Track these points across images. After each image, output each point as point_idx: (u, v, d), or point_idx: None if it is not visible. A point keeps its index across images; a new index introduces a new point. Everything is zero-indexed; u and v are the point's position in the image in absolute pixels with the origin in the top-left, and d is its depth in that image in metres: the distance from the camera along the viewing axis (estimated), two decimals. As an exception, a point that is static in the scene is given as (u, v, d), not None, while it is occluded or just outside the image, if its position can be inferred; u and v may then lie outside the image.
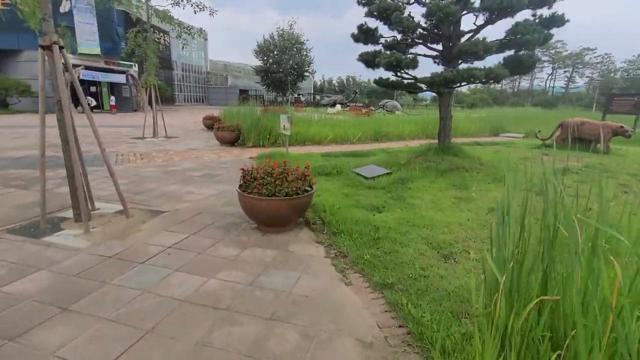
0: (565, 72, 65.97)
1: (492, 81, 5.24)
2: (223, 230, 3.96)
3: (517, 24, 5.36)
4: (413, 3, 6.16)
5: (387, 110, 33.60)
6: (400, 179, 5.87)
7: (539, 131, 10.23)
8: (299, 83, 57.42)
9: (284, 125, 8.43)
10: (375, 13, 5.89)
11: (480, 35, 6.42)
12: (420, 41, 6.46)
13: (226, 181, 6.22)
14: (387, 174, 6.20)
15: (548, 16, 5.86)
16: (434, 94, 8.16)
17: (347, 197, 5.14)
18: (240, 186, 3.95)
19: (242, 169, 4.04)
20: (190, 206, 4.78)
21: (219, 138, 10.89)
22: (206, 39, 15.70)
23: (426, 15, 5.39)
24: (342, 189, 5.61)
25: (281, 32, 53.10)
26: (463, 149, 6.92)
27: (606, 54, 66.92)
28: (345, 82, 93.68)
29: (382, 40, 7.15)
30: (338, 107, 35.67)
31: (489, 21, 5.70)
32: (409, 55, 5.54)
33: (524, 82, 75.73)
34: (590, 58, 63.58)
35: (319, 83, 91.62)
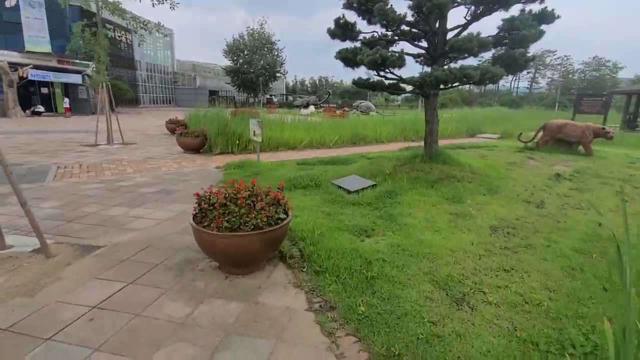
0: (528, 73, 68.65)
1: (487, 82, 4.67)
2: (174, 273, 3.08)
3: (513, 18, 4.82)
4: (396, -5, 5.50)
5: (361, 111, 33.25)
6: (387, 191, 5.18)
7: (521, 133, 9.96)
8: (271, 84, 56.27)
9: (254, 131, 7.56)
10: (355, 5, 5.18)
11: (467, 32, 5.87)
12: (406, 37, 5.81)
13: (186, 199, 5.29)
14: (372, 186, 5.50)
15: (538, 12, 5.38)
16: (407, 94, 7.65)
17: (328, 217, 4.38)
18: (195, 216, 3.08)
19: (197, 195, 3.16)
20: (136, 237, 3.85)
21: (182, 145, 9.83)
22: (166, 36, 14.35)
23: (413, 7, 4.74)
24: (323, 205, 4.84)
25: (251, 31, 51.77)
26: (452, 156, 6.35)
27: (565, 55, 70.36)
28: (317, 82, 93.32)
29: (362, 37, 6.46)
30: (311, 108, 34.93)
31: (480, 14, 5.14)
32: (394, 53, 4.86)
33: (491, 85, 78.15)
34: (551, 60, 66.54)
35: (291, 84, 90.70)
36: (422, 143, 13.61)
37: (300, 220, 4.22)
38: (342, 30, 5.99)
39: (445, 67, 4.83)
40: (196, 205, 3.12)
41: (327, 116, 24.16)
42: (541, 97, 64.37)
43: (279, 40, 52.94)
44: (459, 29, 5.81)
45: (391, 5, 5.15)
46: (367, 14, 5.47)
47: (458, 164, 6.09)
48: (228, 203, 2.99)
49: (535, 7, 5.48)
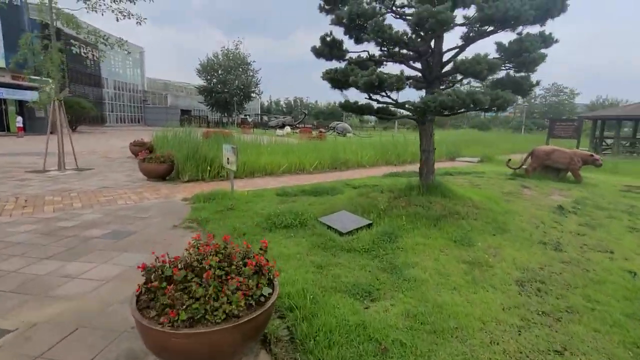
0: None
1: (495, 109, 4.13)
2: (107, 380, 2.12)
3: (522, 39, 4.35)
4: (387, 13, 4.94)
5: (337, 133, 32.99)
6: (386, 233, 4.43)
7: (510, 160, 9.67)
8: (246, 104, 55.59)
9: (228, 158, 6.68)
10: (345, 20, 4.56)
11: (463, 53, 5.40)
12: (399, 58, 5.24)
13: (141, 246, 4.30)
14: (367, 225, 4.73)
15: (537, 34, 4.98)
16: (398, 118, 7.10)
17: (320, 272, 3.55)
18: (139, 298, 2.16)
19: (143, 267, 2.24)
20: (63, 312, 2.84)
21: (145, 171, 8.74)
22: (129, 53, 13.13)
23: (413, 24, 4.17)
24: (312, 253, 4.01)
25: (226, 51, 51.27)
26: (451, 188, 5.74)
27: (527, 81, 73.92)
28: (292, 103, 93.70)
29: (349, 57, 5.86)
30: (287, 128, 34.37)
31: (485, 34, 4.65)
32: (391, 74, 4.24)
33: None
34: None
35: (266, 103, 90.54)
36: (405, 168, 13.29)
37: (286, 276, 3.36)
38: (330, 48, 5.35)
39: (449, 90, 4.25)
40: (142, 285, 2.19)
41: (304, 137, 23.59)
42: (507, 120, 67.33)
43: (254, 61, 52.61)
44: (455, 50, 5.31)
45: (384, 21, 4.56)
46: (358, 31, 4.87)
47: (458, 197, 5.47)
48: (189, 278, 2.10)
49: (534, 30, 5.09)
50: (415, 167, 13.44)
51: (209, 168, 9.11)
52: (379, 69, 5.49)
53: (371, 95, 5.26)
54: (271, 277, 2.39)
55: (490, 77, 5.28)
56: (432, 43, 5.39)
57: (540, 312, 2.95)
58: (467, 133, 35.66)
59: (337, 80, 4.89)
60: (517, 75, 4.93)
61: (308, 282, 3.29)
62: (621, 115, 18.85)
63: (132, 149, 13.28)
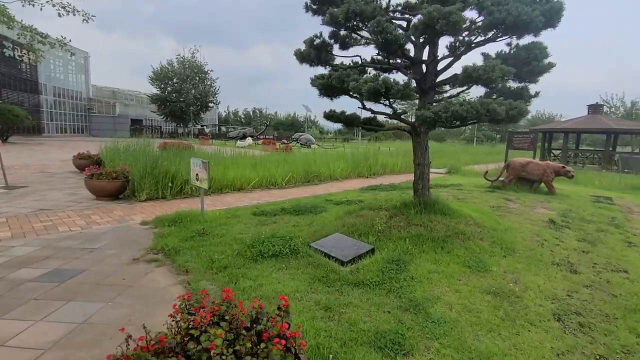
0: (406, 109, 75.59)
1: (508, 120, 3.79)
2: None
3: (532, 46, 4.09)
4: (386, 14, 4.49)
5: (301, 144, 32.45)
6: (392, 260, 3.87)
7: (487, 172, 9.69)
8: (203, 114, 53.46)
9: (197, 175, 5.82)
10: (341, 20, 4.03)
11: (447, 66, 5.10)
12: (394, 64, 4.80)
13: (93, 290, 3.36)
14: (369, 251, 4.15)
15: (529, 44, 4.80)
16: (387, 130, 6.69)
17: (330, 316, 2.89)
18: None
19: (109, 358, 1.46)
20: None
21: (94, 189, 7.52)
22: (71, 53, 11.31)
23: (420, 26, 3.73)
24: (314, 290, 3.34)
25: (182, 59, 49.11)
26: (449, 205, 5.35)
27: (478, 96, 78.77)
28: (252, 113, 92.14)
29: (337, 62, 5.35)
30: (249, 140, 33.23)
31: (486, 41, 4.35)
32: (399, 82, 3.75)
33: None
34: (465, 99, 74.40)
35: (223, 114, 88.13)
36: (378, 180, 13.02)
37: (291, 326, 2.65)
38: (317, 52, 4.79)
39: (459, 100, 3.85)
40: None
41: (268, 149, 22.78)
42: (459, 132, 71.12)
43: (212, 70, 50.92)
44: (451, 58, 4.99)
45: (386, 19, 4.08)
46: (353, 30, 4.36)
47: (458, 214, 5.09)
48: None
49: (525, 40, 4.90)
50: (389, 179, 13.36)
51: (170, 185, 8.07)
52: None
53: (365, 104, 4.76)
54: (298, 351, 1.70)
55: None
56: (426, 50, 5.04)
57: (598, 357, 2.53)
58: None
59: (330, 87, 4.33)
60: (521, 86, 4.69)
61: (320, 333, 2.62)
62: (567, 128, 20.28)
63: (77, 163, 11.70)
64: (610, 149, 20.05)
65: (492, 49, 5.26)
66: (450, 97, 5.47)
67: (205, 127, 60.60)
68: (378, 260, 3.91)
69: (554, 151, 22.90)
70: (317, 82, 4.37)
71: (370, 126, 5.76)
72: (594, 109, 20.12)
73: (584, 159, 21.43)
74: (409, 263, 3.89)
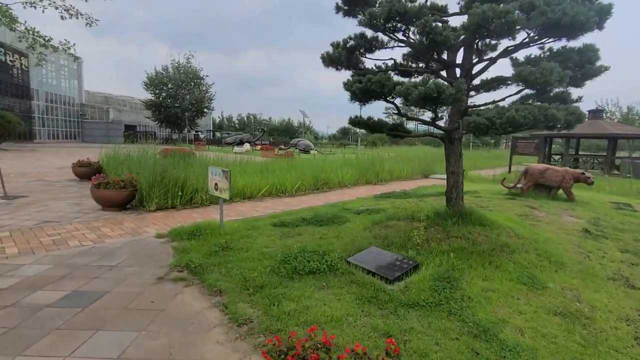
0: (441, 115, 76.10)
1: (565, 126, 3.57)
2: None
3: (586, 49, 3.89)
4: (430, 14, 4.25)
5: (300, 150, 32.16)
6: (441, 277, 3.60)
7: (504, 179, 9.50)
8: (198, 119, 53.01)
9: (216, 185, 5.49)
10: (382, 20, 3.79)
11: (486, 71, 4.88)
12: (430, 67, 4.57)
13: (121, 316, 3.01)
14: (414, 267, 3.87)
15: (582, 46, 4.54)
16: (415, 137, 6.43)
17: (402, 349, 2.58)
18: None
19: None
20: None
21: (101, 199, 7.13)
22: (68, 52, 10.77)
23: (472, 25, 3.50)
24: (365, 312, 3.04)
25: (176, 65, 48.72)
26: (485, 215, 5.10)
27: (472, 102, 79.27)
28: (246, 119, 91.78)
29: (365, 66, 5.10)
30: (247, 146, 32.86)
31: (529, 43, 4.14)
32: (451, 85, 3.50)
33: (411, 125, 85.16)
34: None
35: (217, 120, 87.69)
36: (389, 187, 12.74)
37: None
38: (349, 55, 4.53)
39: (515, 105, 3.62)
40: None
41: (267, 155, 22.49)
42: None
43: (207, 76, 50.57)
44: (486, 62, 4.78)
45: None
46: (391, 32, 4.12)
47: (496, 225, 4.84)
48: None
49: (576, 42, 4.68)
50: (398, 186, 13.11)
51: (180, 194, 7.72)
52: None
53: (400, 110, 4.51)
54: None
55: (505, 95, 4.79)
56: (459, 53, 4.82)
57: None
58: (423, 150, 36.71)
59: (368, 92, 4.06)
60: (556, 90, 4.47)
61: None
62: (569, 133, 20.32)
63: (76, 171, 11.26)
64: (612, 154, 20.13)
65: (520, 53, 5.06)
66: (489, 103, 5.22)
67: (199, 132, 60.09)
68: (426, 277, 3.63)
69: (553, 156, 22.99)
70: (354, 85, 4.10)
71: (398, 132, 5.51)
72: (594, 114, 20.23)
73: (584, 164, 21.51)
74: (459, 280, 3.62)
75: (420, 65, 5.28)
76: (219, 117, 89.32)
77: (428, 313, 3.05)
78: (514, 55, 4.86)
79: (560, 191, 8.77)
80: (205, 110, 51.82)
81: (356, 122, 5.42)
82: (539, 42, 4.11)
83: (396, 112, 4.64)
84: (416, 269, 3.89)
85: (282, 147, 36.03)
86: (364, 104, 4.59)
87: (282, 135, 71.67)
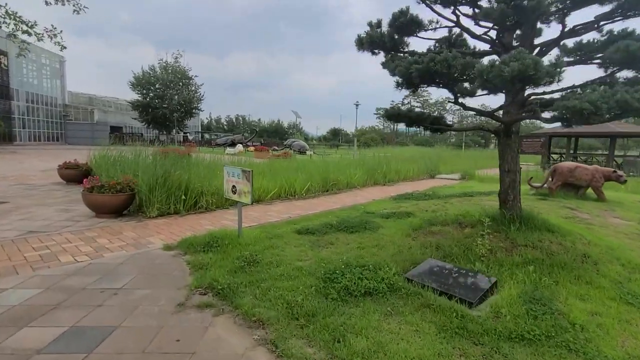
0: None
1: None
2: None
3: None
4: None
5: (294, 151, 31.37)
6: (532, 298, 2.94)
7: (532, 178, 8.97)
8: (187, 120, 51.66)
9: (233, 187, 4.74)
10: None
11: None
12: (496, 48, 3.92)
13: (141, 365, 2.25)
14: (494, 286, 3.20)
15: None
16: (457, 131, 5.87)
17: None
18: None
19: None
20: None
21: (94, 205, 6.26)
22: (62, 46, 9.85)
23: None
24: (460, 350, 2.36)
25: (164, 64, 47.32)
26: (548, 219, 4.48)
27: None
28: (235, 120, 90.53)
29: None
30: (239, 147, 31.93)
31: (612, 19, 3.54)
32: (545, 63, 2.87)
33: (401, 126, 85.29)
34: (450, 106, 75.54)
35: (206, 121, 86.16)
36: (400, 188, 12.03)
37: None
38: (399, 31, 3.85)
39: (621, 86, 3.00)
40: None
41: (262, 157, 21.70)
42: (444, 137, 71.79)
43: (196, 76, 49.30)
44: (550, 42, 4.16)
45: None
46: (454, 5, 3.46)
47: (565, 231, 4.22)
48: None
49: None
50: (409, 186, 12.45)
51: (183, 197, 6.91)
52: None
53: (458, 99, 3.85)
54: None
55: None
56: (515, 34, 4.20)
57: None
58: (418, 150, 36.30)
59: (428, 74, 3.38)
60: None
61: None
62: (572, 132, 20.05)
63: (63, 173, 10.28)
64: (612, 152, 20.01)
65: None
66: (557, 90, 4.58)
67: (188, 134, 58.61)
68: (513, 298, 2.96)
69: (552, 155, 22.82)
70: (411, 67, 3.41)
71: (439, 126, 4.86)
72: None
73: (584, 162, 21.38)
74: (553, 301, 2.96)
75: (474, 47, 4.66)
76: (207, 118, 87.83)
77: (543, 351, 2.38)
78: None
79: (589, 190, 8.29)
80: (194, 111, 50.53)
81: (394, 114, 4.74)
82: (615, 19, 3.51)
83: (453, 100, 3.96)
84: (495, 287, 3.22)
85: (276, 148, 35.18)
86: (414, 90, 3.92)
87: (272, 136, 70.67)
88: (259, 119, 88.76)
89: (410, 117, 4.61)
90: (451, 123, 5.34)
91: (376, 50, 4.45)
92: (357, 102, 32.33)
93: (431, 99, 78.79)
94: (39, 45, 8.59)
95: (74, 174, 10.15)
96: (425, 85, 3.78)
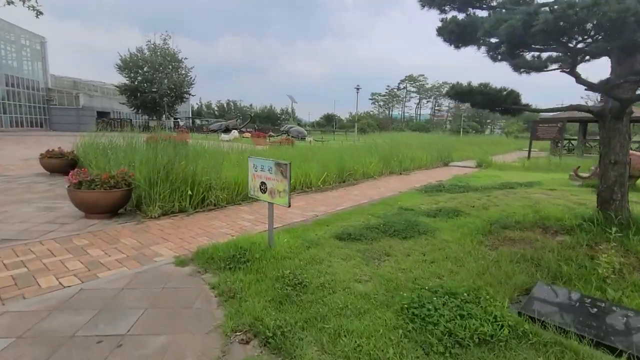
0: (428, 101, 75.57)
1: None
2: None
3: None
4: None
5: (292, 137, 30.15)
6: None
7: (579, 167, 8.11)
8: (178, 105, 49.74)
9: (262, 185, 3.73)
10: None
11: None
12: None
13: None
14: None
15: None
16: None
17: None
18: None
19: None
20: None
21: (84, 204, 5.18)
22: (38, 12, 8.65)
23: None
24: None
25: (152, 46, 45.02)
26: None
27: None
28: (225, 106, 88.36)
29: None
30: (235, 133, 30.59)
31: None
32: None
33: (396, 111, 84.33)
34: (447, 91, 74.35)
35: (196, 106, 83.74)
36: (419, 178, 11.06)
37: None
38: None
39: None
40: None
41: (260, 143, 20.61)
42: (439, 123, 71.05)
43: (186, 59, 47.17)
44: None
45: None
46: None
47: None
48: None
49: None
50: (427, 175, 11.51)
51: (189, 193, 5.87)
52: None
53: (579, 75, 2.86)
54: None
55: None
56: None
57: None
58: (418, 136, 35.20)
59: (556, 28, 2.36)
60: None
61: None
62: (585, 117, 19.25)
63: (46, 163, 9.09)
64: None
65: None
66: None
67: (179, 120, 56.62)
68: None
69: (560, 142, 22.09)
70: (534, 18, 2.41)
71: (520, 108, 3.89)
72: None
73: (593, 149, 20.71)
74: None
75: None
76: (197, 103, 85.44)
77: None
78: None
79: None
80: (185, 96, 48.61)
81: (463, 92, 3.77)
82: None
83: (562, 69, 2.98)
84: (656, 329, 2.32)
85: (272, 134, 33.86)
86: (515, 56, 2.92)
87: (264, 122, 68.87)
88: (251, 104, 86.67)
89: (485, 94, 3.62)
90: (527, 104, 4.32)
91: (446, 7, 3.42)
92: (358, 86, 31.06)
93: (427, 84, 77.63)
94: (18, 25, 7.23)
95: (58, 164, 8.98)
96: (537, 47, 2.77)
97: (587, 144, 20.99)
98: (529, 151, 16.48)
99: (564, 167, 12.16)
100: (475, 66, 35.29)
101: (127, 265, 3.55)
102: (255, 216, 5.65)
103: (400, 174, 11.67)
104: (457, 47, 4.38)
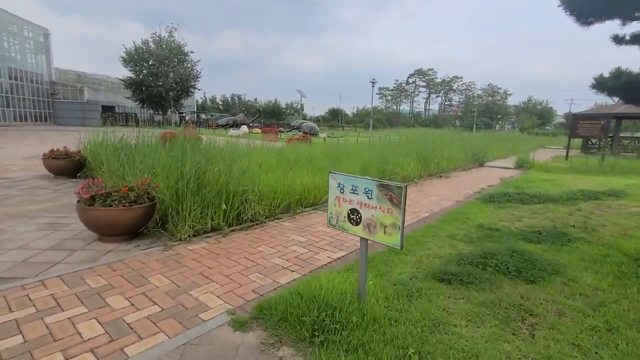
0: (437, 96, 73.91)
1: None
2: None
3: None
4: None
5: (304, 133, 29.00)
6: None
7: None
8: (183, 100, 48.63)
9: (354, 213, 2.62)
10: None
11: None
12: None
13: None
14: None
15: None
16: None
17: None
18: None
19: None
20: None
21: (98, 225, 4.10)
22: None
23: None
24: None
25: (158, 39, 43.76)
26: None
27: (470, 81, 77.34)
28: (230, 100, 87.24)
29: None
30: (244, 128, 29.50)
31: None
32: None
33: (404, 106, 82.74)
34: (458, 85, 72.74)
35: (200, 101, 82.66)
36: (462, 182, 9.78)
37: None
38: None
39: None
40: None
41: (271, 140, 19.43)
42: (449, 118, 69.46)
43: (192, 52, 45.94)
44: None
45: None
46: None
47: None
48: None
49: None
50: (468, 178, 10.30)
51: (224, 207, 4.78)
52: None
53: None
54: None
55: None
56: None
57: None
58: (431, 132, 33.75)
59: None
60: None
61: None
62: (634, 114, 17.74)
63: (49, 164, 8.05)
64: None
65: None
66: None
67: (184, 114, 55.50)
68: None
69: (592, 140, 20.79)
70: None
71: None
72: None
73: (626, 146, 19.44)
74: None
75: None
76: (201, 98, 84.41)
77: None
78: None
79: None
80: (191, 89, 47.49)
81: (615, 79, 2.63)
82: None
83: None
84: None
85: (282, 129, 32.69)
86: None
87: (269, 117, 67.58)
88: (255, 99, 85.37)
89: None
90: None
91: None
92: (374, 79, 29.78)
93: (437, 78, 75.79)
94: (20, 16, 6.12)
95: (63, 165, 7.94)
96: None
97: (621, 143, 19.74)
98: (567, 150, 15.25)
99: (620, 169, 11.01)
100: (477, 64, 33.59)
101: (164, 329, 2.48)
102: (307, 238, 4.56)
103: (440, 176, 10.55)
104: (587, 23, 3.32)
